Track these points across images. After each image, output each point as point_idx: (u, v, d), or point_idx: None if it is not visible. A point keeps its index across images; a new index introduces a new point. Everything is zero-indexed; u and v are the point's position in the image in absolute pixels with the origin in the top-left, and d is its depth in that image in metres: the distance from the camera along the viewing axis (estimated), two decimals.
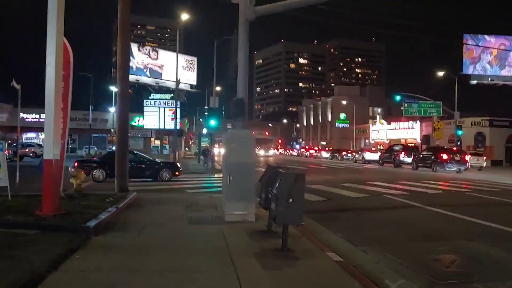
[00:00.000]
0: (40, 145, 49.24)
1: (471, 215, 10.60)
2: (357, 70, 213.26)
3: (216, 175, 26.05)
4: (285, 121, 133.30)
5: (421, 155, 32.74)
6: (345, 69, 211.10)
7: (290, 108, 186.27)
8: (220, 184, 19.29)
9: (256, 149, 64.61)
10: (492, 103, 74.03)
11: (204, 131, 39.40)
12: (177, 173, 20.02)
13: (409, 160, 34.93)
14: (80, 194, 11.77)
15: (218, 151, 43.68)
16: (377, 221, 9.98)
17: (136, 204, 11.35)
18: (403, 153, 36.26)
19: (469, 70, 48.19)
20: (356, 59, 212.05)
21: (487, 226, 9.41)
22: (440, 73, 46.75)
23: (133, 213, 9.83)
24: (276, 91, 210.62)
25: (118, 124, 14.52)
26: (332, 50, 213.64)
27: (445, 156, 29.26)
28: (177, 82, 30.52)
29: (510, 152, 48.58)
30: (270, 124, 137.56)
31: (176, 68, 31.04)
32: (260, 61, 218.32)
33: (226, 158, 9.14)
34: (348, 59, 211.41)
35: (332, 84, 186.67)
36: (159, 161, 20.39)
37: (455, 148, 31.77)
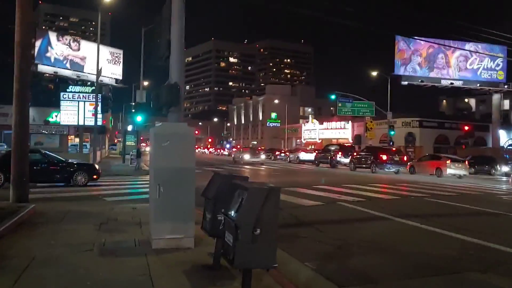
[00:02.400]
0: None
1: (456, 230, 8.89)
2: (286, 71, 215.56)
3: (142, 177, 23.14)
4: (215, 119, 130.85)
5: (359, 156, 31.77)
6: (274, 69, 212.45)
7: (220, 107, 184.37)
8: (147, 191, 16.66)
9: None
10: (422, 104, 76.52)
11: (130, 128, 35.94)
12: (95, 176, 16.98)
13: (346, 160, 33.93)
14: None
15: (144, 150, 40.46)
16: (350, 243, 7.91)
17: (31, 222, 8.48)
18: (339, 153, 35.22)
19: (400, 71, 48.53)
20: (285, 60, 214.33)
21: (485, 246, 7.67)
22: (373, 73, 46.81)
23: (22, 239, 7.03)
24: (206, 89, 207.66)
25: (15, 117, 11.42)
26: (262, 50, 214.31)
27: (384, 157, 28.39)
28: (98, 72, 27.11)
29: (438, 152, 49.59)
30: (200, 123, 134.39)
31: (97, 56, 27.58)
32: (190, 58, 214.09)
33: (154, 162, 6.64)
34: (277, 60, 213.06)
35: (262, 84, 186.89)
36: (73, 162, 17.21)
37: (393, 149, 31.14)
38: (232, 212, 4.32)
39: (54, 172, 16.24)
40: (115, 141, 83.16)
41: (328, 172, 30.26)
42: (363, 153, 31.83)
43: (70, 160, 17.42)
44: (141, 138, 40.41)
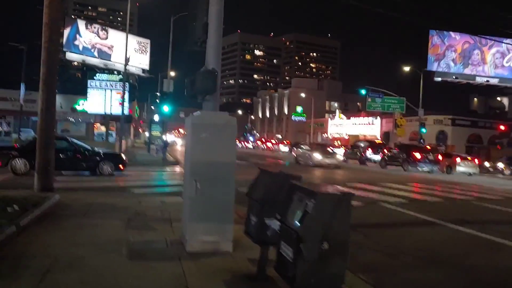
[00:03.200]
0: None
1: None
2: (312, 65, 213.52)
3: (168, 169, 22.63)
4: (239, 112, 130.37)
5: (390, 153, 30.65)
6: (300, 63, 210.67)
7: (244, 100, 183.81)
8: (175, 183, 16.21)
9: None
10: (452, 101, 74.38)
11: (156, 117, 35.55)
12: (121, 166, 16.46)
13: (376, 157, 32.81)
14: None
15: (174, 139, 39.79)
16: (402, 251, 7.08)
17: (54, 214, 7.90)
18: (369, 149, 34.10)
19: (434, 66, 46.86)
20: (311, 54, 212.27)
21: None
22: (405, 69, 45.16)
23: (44, 233, 6.42)
24: (231, 81, 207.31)
25: (41, 102, 10.91)
26: (288, 43, 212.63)
27: (418, 155, 27.23)
28: (126, 60, 26.68)
29: (470, 152, 47.92)
30: None
31: (126, 44, 27.12)
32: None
33: (191, 155, 5.92)
34: (303, 53, 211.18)
35: (287, 78, 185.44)
36: (99, 151, 16.72)
37: (428, 147, 29.93)
38: (293, 220, 3.55)
39: (80, 160, 15.77)
40: (140, 130, 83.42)
41: (358, 169, 29.24)
42: (395, 151, 30.68)
43: (96, 149, 16.95)
44: (174, 128, 39.92)
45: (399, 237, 8.18)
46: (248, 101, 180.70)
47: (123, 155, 17.15)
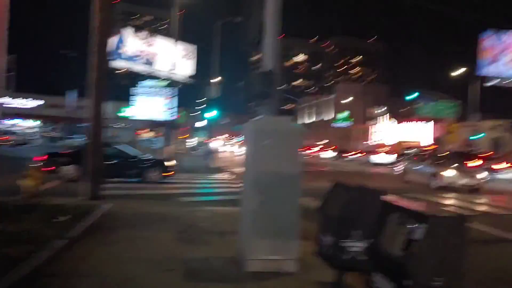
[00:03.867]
0: (23, 133, 45.26)
1: None
2: (356, 69, 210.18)
3: (213, 176, 22.28)
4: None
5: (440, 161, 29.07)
6: (343, 67, 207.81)
7: (285, 107, 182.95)
8: (222, 191, 15.81)
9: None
10: (506, 106, 70.87)
11: (203, 123, 35.49)
12: (169, 173, 16.20)
13: None
14: (27, 203, 8.03)
15: (218, 145, 39.65)
16: (487, 276, 6.25)
17: (105, 225, 7.54)
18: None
19: (486, 71, 44.59)
20: (355, 58, 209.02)
21: None
22: (458, 72, 43.30)
23: (95, 248, 6.04)
24: None
25: (92, 108, 10.72)
26: (331, 48, 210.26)
27: (473, 163, 25.60)
28: (173, 65, 26.63)
29: None
30: None
31: (173, 49, 27.11)
32: (257, 56, 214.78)
33: (253, 164, 5.36)
34: (347, 58, 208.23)
35: (330, 82, 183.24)
36: (147, 158, 16.55)
37: (481, 155, 28.15)
38: (392, 247, 2.90)
39: (127, 167, 15.62)
40: (185, 136, 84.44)
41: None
42: (445, 158, 29.07)
43: (144, 155, 16.79)
44: (218, 134, 39.61)
45: (478, 258, 7.30)
46: (291, 106, 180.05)
47: (173, 161, 16.88)
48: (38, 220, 6.70)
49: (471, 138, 37.31)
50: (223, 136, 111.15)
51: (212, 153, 28.06)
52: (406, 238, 2.77)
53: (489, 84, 42.73)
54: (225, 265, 5.58)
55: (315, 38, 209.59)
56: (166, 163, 16.54)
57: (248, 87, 7.47)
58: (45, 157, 15.03)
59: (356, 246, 3.91)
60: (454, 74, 43.79)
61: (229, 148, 72.98)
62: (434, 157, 23.78)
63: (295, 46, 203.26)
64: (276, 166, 5.29)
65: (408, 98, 41.91)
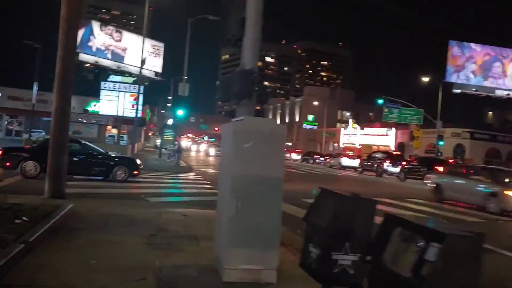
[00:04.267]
0: None
1: None
2: (323, 73, 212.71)
3: (182, 175, 21.79)
4: None
5: (411, 166, 29.57)
6: (311, 71, 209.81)
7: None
8: (192, 191, 15.38)
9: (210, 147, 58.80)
10: (467, 114, 73.11)
11: (170, 121, 34.77)
12: (135, 172, 15.63)
13: (394, 169, 31.72)
14: None
15: (186, 144, 38.94)
16: None
17: (68, 227, 7.03)
18: (387, 161, 33.02)
19: (453, 78, 45.80)
20: (323, 62, 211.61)
21: None
22: (423, 79, 44.19)
23: (56, 255, 5.54)
24: None
25: (56, 102, 10.13)
26: (299, 51, 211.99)
27: (441, 169, 26.12)
28: (143, 61, 25.97)
29: None
30: None
31: (142, 46, 26.44)
32: (227, 56, 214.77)
33: (232, 168, 5.01)
34: (314, 62, 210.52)
35: (297, 85, 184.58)
36: (113, 155, 15.92)
37: (451, 161, 28.81)
38: (399, 267, 2.64)
39: (93, 164, 14.98)
40: (150, 134, 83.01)
41: (377, 182, 28.23)
42: (415, 163, 29.61)
43: (110, 153, 16.16)
44: (186, 133, 38.69)
45: None
46: (258, 108, 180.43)
47: (138, 161, 16.32)
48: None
49: (440, 143, 38.02)
50: (191, 136, 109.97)
51: (180, 152, 27.47)
52: (417, 257, 2.51)
53: (456, 91, 43.84)
54: (201, 274, 5.23)
55: (283, 42, 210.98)
56: (134, 162, 15.95)
57: (225, 86, 7.13)
58: (0, 152, 14.17)
59: (346, 259, 3.64)
60: (420, 81, 44.64)
61: (197, 147, 72.99)
62: (491, 171, 17.50)
63: (263, 48, 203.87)
64: (258, 170, 4.98)
65: (379, 103, 42.28)
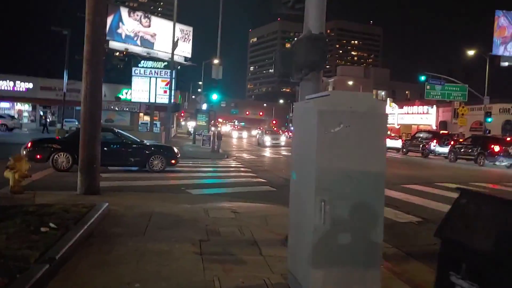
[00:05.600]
0: (12, 117, 43.32)
1: None
2: (353, 53, 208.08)
3: (220, 162, 20.68)
4: (281, 101, 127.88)
5: (461, 145, 27.55)
6: (341, 51, 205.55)
7: (284, 89, 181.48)
8: (234, 181, 13.76)
9: (260, 132, 48.46)
10: None
11: (204, 106, 33.71)
12: (173, 161, 14.55)
13: (442, 150, 29.77)
14: (5, 205, 6.41)
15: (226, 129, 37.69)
16: None
17: (104, 233, 5.92)
18: (434, 141, 31.02)
19: (500, 50, 42.96)
20: (353, 41, 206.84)
21: None
22: (468, 53, 41.55)
23: (87, 275, 4.40)
24: (270, 70, 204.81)
25: (85, 87, 9.03)
26: (328, 31, 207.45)
27: (497, 148, 24.12)
28: (175, 43, 24.82)
29: None
30: (265, 104, 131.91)
31: (173, 29, 25.30)
32: (255, 39, 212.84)
33: (312, 160, 3.70)
34: (344, 41, 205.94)
35: (328, 66, 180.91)
36: (149, 143, 14.88)
37: (508, 139, 26.64)
38: None
39: (128, 154, 13.98)
40: (181, 120, 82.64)
41: (425, 163, 26.43)
42: (466, 143, 27.57)
43: (146, 142, 15.12)
44: (217, 118, 37.22)
45: None
46: (288, 90, 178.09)
47: (175, 149, 15.22)
48: (17, 231, 5.06)
49: (488, 120, 35.75)
50: (221, 120, 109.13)
51: (220, 138, 26.39)
52: None
53: (504, 64, 41.10)
54: None
55: None
56: (171, 150, 14.85)
57: (286, 58, 5.79)
58: (30, 144, 13.30)
59: None
60: (464, 54, 42.09)
61: (240, 134, 68.81)
62: None
63: (291, 29, 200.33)
64: (352, 162, 3.67)
65: (421, 79, 39.99)
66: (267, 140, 40.41)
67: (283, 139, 42.96)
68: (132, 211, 7.38)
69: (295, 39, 5.76)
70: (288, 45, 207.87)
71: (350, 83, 73.99)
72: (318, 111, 3.67)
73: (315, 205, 3.65)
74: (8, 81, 46.22)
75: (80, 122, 9.46)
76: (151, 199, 8.86)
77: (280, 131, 60.62)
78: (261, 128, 70.41)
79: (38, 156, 12.99)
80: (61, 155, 12.99)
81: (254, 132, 79.38)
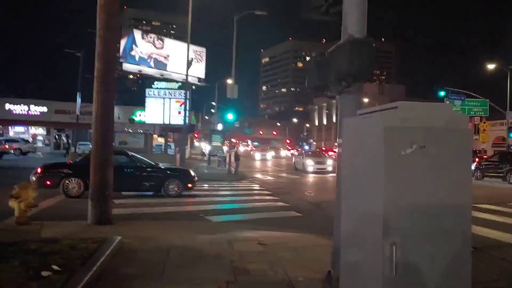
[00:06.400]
0: (26, 141, 43.17)
1: None
2: None
3: (236, 184, 19.86)
4: (295, 120, 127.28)
5: (488, 162, 26.39)
6: None
7: (297, 108, 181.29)
8: (255, 205, 12.73)
9: (298, 155, 38.56)
10: None
11: (219, 126, 33.08)
12: (190, 184, 13.79)
13: None
14: (6, 241, 5.68)
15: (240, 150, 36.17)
16: None
17: (115, 275, 5.11)
18: None
19: None
20: None
21: None
22: (489, 66, 40.52)
23: None
24: (283, 90, 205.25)
25: (96, 107, 8.36)
26: None
27: None
28: (189, 62, 24.33)
29: None
30: (278, 124, 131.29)
31: (188, 51, 24.87)
32: (267, 59, 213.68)
33: (376, 191, 2.88)
34: None
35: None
36: (164, 167, 14.15)
37: None
38: None
39: (142, 179, 13.24)
40: (194, 141, 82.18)
41: None
42: (493, 159, 26.41)
43: (161, 165, 14.40)
44: (232, 139, 36.16)
45: None
46: (301, 109, 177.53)
47: (191, 172, 14.46)
48: (13, 277, 4.29)
49: (511, 136, 34.60)
50: (234, 140, 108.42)
51: (239, 159, 25.64)
52: None
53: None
54: None
55: (323, 41, 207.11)
56: (187, 173, 14.11)
57: (323, 67, 5.02)
58: (40, 169, 12.66)
59: None
60: (483, 68, 41.05)
61: (263, 155, 58.69)
62: None
63: (303, 48, 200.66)
64: (430, 194, 2.84)
65: (440, 95, 38.99)
66: (309, 164, 30.66)
67: (329, 163, 31.56)
68: (148, 245, 6.58)
69: (336, 45, 4.98)
70: (300, 64, 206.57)
71: (366, 100, 73.02)
72: (385, 128, 2.86)
73: (383, 249, 2.82)
74: (22, 105, 46.32)
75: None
76: (168, 229, 8.07)
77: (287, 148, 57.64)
78: (298, 149, 59.32)
79: (49, 182, 12.33)
80: (72, 180, 12.31)
81: (284, 153, 71.85)
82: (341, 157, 3.90)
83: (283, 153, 68.15)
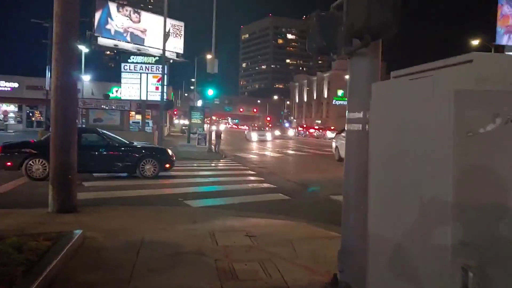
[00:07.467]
0: None
1: None
2: None
3: (219, 164, 18.83)
4: (275, 97, 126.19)
5: None
6: None
7: (277, 85, 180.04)
8: (238, 187, 11.47)
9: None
10: None
11: (199, 103, 31.81)
12: (167, 165, 12.71)
13: None
14: None
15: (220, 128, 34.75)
16: None
17: (68, 284, 4.10)
18: None
19: (503, 40, 41.58)
20: None
21: None
22: (473, 43, 40.02)
23: None
24: (263, 67, 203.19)
25: (55, 79, 7.17)
26: None
27: None
28: (166, 34, 22.93)
29: None
30: (258, 101, 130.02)
31: (165, 15, 23.43)
32: (247, 35, 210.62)
33: (438, 191, 1.92)
34: None
35: (320, 61, 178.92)
36: (139, 145, 13.01)
37: None
38: None
39: (115, 159, 12.09)
40: (174, 118, 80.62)
41: None
42: None
43: (136, 143, 13.26)
44: (212, 116, 34.57)
45: None
46: (281, 86, 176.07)
47: (169, 151, 13.36)
48: None
49: None
50: (214, 118, 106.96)
51: (220, 137, 24.64)
52: None
53: (510, 54, 39.58)
54: None
55: (304, 17, 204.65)
56: (165, 153, 13.01)
57: (332, 23, 3.98)
58: None
59: None
60: (468, 45, 40.55)
61: (252, 134, 46.68)
62: None
63: (283, 25, 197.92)
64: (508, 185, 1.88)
65: None
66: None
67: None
68: (116, 240, 5.55)
69: None
70: (280, 41, 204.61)
71: (346, 77, 72.37)
72: (455, 93, 1.86)
73: (452, 275, 1.86)
74: None
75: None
76: (141, 217, 7.04)
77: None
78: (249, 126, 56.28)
79: (9, 163, 11.10)
80: (36, 161, 11.09)
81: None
82: (368, 135, 2.89)
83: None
